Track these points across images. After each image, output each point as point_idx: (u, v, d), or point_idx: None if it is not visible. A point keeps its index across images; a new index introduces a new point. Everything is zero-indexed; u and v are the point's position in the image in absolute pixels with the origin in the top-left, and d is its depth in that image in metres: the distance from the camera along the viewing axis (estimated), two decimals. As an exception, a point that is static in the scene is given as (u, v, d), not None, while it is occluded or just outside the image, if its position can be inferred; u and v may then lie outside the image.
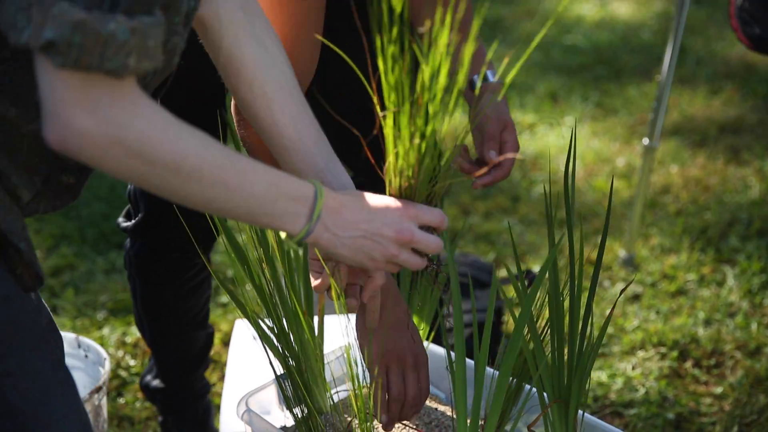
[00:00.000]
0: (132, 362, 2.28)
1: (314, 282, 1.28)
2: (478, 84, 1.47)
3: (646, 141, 2.49)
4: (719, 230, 2.76)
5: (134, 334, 2.38)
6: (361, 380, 1.44)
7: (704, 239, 2.73)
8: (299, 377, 1.51)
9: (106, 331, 2.39)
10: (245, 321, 2.12)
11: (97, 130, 0.91)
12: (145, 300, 1.75)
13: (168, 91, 1.40)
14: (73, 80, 0.89)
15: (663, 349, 2.26)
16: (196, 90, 1.52)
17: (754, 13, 1.89)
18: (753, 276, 2.53)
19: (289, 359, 1.50)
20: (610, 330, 2.33)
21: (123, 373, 2.24)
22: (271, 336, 1.49)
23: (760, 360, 2.20)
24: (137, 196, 1.66)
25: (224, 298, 2.52)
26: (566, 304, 1.45)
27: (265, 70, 1.25)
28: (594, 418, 1.56)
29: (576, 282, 1.47)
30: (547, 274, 1.35)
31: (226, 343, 2.29)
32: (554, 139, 3.49)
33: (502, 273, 2.42)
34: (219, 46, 1.24)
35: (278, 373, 1.52)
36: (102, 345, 2.33)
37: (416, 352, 1.39)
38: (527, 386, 1.61)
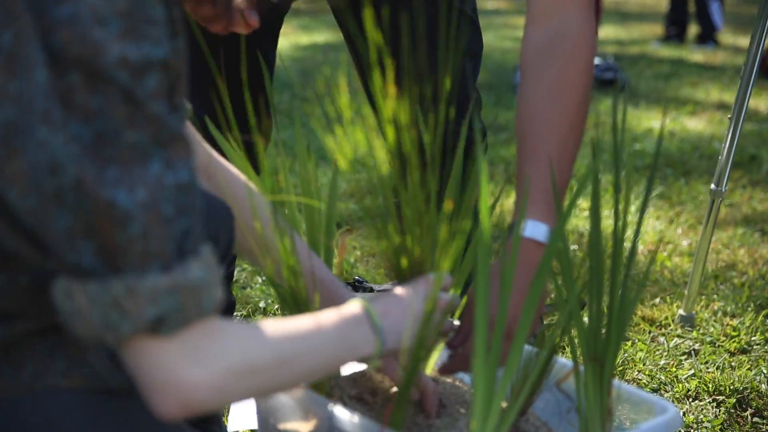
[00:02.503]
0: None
1: None
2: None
3: (713, 186, 2.35)
4: (788, 302, 2.57)
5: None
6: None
7: (771, 307, 2.54)
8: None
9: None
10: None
11: (209, 375, 0.90)
12: None
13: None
14: (172, 343, 0.89)
15: (720, 397, 2.05)
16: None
17: None
18: (823, 342, 2.32)
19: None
20: (661, 377, 2.14)
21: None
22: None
23: (829, 414, 1.98)
24: None
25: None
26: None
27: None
28: (631, 387, 1.40)
29: (621, 213, 1.33)
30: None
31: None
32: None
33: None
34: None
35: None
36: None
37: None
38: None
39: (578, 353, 1.32)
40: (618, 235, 1.33)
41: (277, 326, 1.01)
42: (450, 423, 1.41)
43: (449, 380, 1.51)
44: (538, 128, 1.39)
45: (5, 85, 0.82)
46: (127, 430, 0.99)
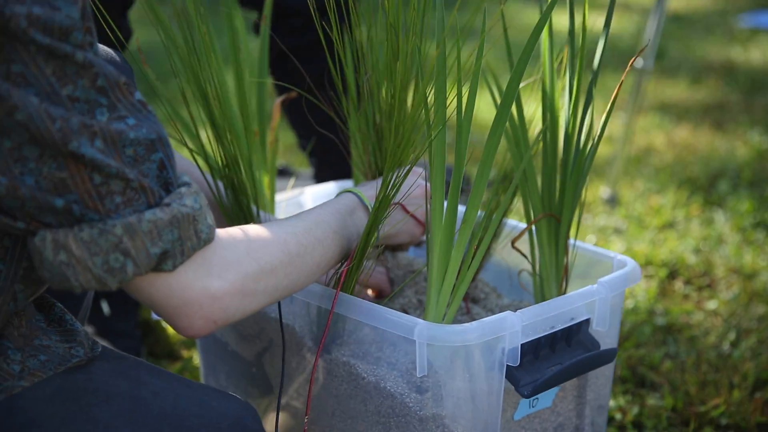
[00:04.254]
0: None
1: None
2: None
3: (640, 63, 2.34)
4: (707, 181, 2.60)
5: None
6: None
7: (692, 185, 2.56)
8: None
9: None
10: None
11: (228, 283, 0.90)
12: None
13: None
14: (181, 267, 0.88)
15: (651, 270, 2.07)
16: None
17: None
18: (744, 215, 2.35)
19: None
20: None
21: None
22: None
23: (757, 282, 2.01)
24: None
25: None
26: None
27: None
28: (587, 244, 1.37)
29: (577, 67, 1.29)
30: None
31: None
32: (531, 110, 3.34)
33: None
34: None
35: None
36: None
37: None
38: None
39: (531, 212, 1.28)
40: (573, 91, 1.30)
41: (279, 225, 1.01)
42: (397, 293, 1.36)
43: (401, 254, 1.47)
44: None
45: None
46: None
